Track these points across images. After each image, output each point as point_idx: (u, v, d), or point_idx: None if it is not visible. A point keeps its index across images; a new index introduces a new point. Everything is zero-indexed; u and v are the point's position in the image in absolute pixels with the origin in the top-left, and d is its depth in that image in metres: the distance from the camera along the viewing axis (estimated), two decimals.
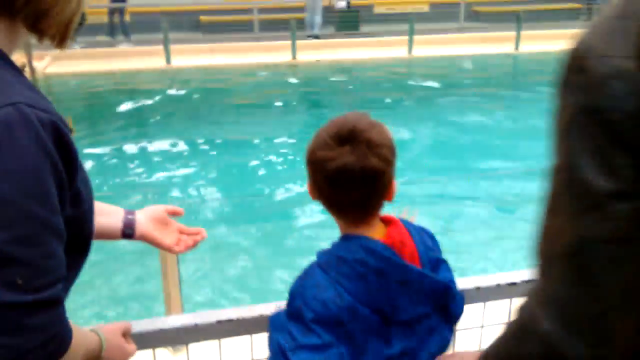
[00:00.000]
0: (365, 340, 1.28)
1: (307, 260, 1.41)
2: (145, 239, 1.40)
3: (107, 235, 1.38)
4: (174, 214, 1.47)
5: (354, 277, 1.28)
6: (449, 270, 1.43)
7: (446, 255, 1.48)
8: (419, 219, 1.60)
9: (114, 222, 1.38)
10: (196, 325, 1.55)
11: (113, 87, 11.08)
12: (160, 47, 12.06)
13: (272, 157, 7.43)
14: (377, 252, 1.29)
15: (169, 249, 1.42)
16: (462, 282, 1.76)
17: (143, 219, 1.41)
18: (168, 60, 12.01)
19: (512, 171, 6.50)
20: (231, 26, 14.57)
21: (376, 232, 1.35)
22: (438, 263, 1.40)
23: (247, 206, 6.04)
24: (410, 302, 1.31)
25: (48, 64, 11.83)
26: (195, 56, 12.70)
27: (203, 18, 15.48)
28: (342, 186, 1.29)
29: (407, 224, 1.42)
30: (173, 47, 12.22)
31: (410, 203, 5.38)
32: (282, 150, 7.64)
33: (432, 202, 5.90)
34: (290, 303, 1.34)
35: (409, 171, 6.73)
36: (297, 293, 1.33)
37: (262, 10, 14.37)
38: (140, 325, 1.53)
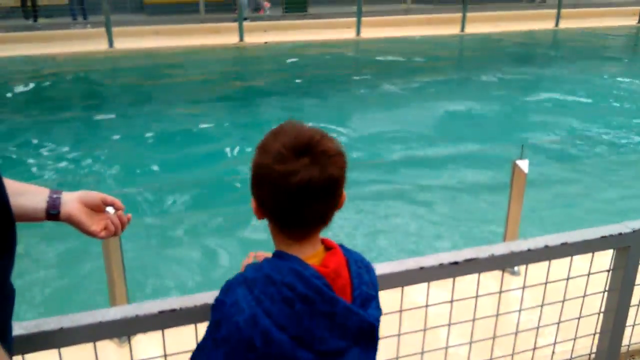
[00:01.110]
0: None
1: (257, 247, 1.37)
2: (70, 220, 1.32)
3: (31, 217, 1.29)
4: (111, 204, 1.39)
5: (278, 300, 1.23)
6: (378, 308, 1.38)
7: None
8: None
9: (37, 201, 1.29)
10: (137, 317, 1.51)
11: (55, 72, 10.68)
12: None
13: (221, 144, 7.29)
14: (308, 279, 1.24)
15: (93, 234, 1.34)
16: (406, 263, 1.79)
17: (70, 199, 1.33)
18: (111, 44, 11.64)
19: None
20: (176, 7, 14.26)
21: (314, 256, 1.31)
22: (369, 299, 1.34)
23: (197, 192, 5.93)
24: (332, 335, 1.26)
25: None
26: (139, 38, 12.36)
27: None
28: (305, 200, 1.23)
29: (348, 253, 1.37)
30: (116, 29, 11.85)
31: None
32: (230, 137, 7.50)
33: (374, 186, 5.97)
34: (212, 313, 1.29)
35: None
36: (218, 306, 1.28)
37: None
38: (80, 319, 1.49)
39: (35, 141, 7.31)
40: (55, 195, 1.31)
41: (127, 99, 9.23)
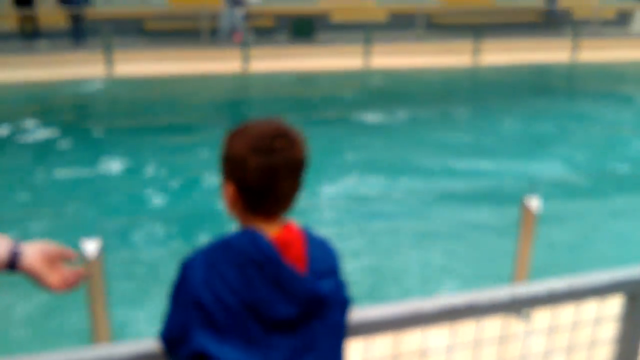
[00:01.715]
0: (228, 331, 1.31)
1: None
2: (30, 271, 1.33)
3: None
4: (68, 257, 1.40)
5: (233, 264, 1.33)
6: (336, 286, 1.46)
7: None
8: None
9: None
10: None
11: (54, 98, 10.64)
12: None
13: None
14: (259, 244, 1.34)
15: (51, 286, 1.35)
16: (401, 306, 1.68)
17: (32, 250, 1.34)
18: (111, 69, 11.62)
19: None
20: (178, 34, 14.26)
21: (272, 230, 1.41)
22: (323, 276, 1.42)
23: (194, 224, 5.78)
24: (279, 300, 1.34)
25: None
26: (138, 63, 12.30)
27: (149, 25, 15.12)
28: (280, 176, 1.38)
29: (308, 232, 1.48)
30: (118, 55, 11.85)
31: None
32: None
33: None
34: (176, 276, 1.38)
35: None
36: (181, 269, 1.38)
37: (212, 17, 14.11)
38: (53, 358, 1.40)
39: None
40: (16, 246, 1.33)
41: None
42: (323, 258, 1.46)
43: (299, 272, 1.37)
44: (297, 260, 1.40)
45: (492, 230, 5.45)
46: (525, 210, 3.17)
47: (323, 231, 1.64)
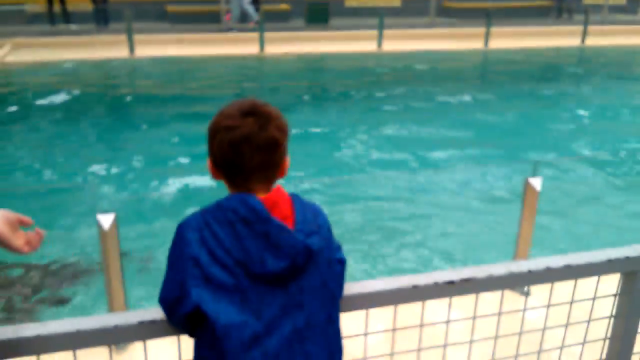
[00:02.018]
0: (222, 289, 1.37)
1: None
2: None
3: None
4: (27, 222, 1.48)
5: (224, 222, 1.41)
6: (324, 241, 1.51)
7: None
8: None
9: None
10: (116, 327, 1.48)
11: (75, 77, 10.80)
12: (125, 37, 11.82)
13: None
14: (247, 201, 1.42)
15: (18, 249, 1.43)
16: (399, 280, 1.73)
17: None
18: (132, 50, 11.76)
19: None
20: (199, 17, 14.38)
21: (259, 194, 1.48)
22: (311, 234, 1.48)
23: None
24: (269, 256, 1.40)
25: (7, 53, 11.50)
26: (160, 46, 12.48)
27: (170, 8, 15.24)
28: (244, 152, 1.44)
29: (295, 197, 1.55)
30: (138, 37, 11.98)
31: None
32: None
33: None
34: (174, 236, 1.45)
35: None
36: (177, 229, 1.45)
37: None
38: (58, 326, 1.46)
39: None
40: None
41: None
42: (310, 219, 1.51)
43: (287, 227, 1.44)
44: (284, 219, 1.46)
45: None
46: (529, 189, 3.20)
47: None
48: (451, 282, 1.73)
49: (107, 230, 2.79)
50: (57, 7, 13.90)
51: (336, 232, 1.60)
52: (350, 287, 1.68)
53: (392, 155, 7.11)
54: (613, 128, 8.17)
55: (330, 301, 1.51)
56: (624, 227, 5.16)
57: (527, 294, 3.35)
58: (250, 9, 14.08)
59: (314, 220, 1.52)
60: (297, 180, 5.64)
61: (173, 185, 6.05)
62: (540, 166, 3.21)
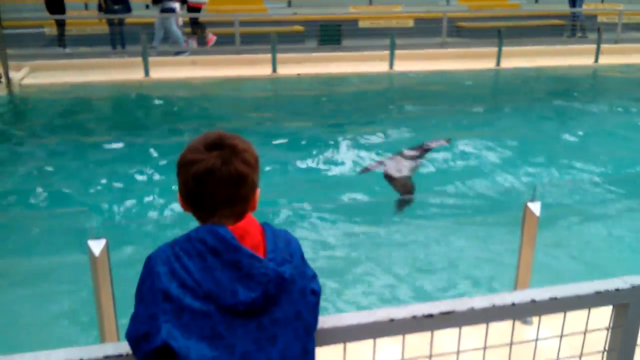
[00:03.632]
0: (193, 321, 1.34)
1: None
2: None
3: None
4: None
5: (194, 254, 1.38)
6: (296, 269, 1.47)
7: None
8: None
9: None
10: None
11: (90, 98, 10.94)
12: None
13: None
14: (216, 232, 1.40)
15: None
16: (375, 314, 1.68)
17: None
18: (147, 73, 11.89)
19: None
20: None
21: (229, 225, 1.46)
22: (284, 262, 1.45)
23: None
24: (240, 287, 1.37)
25: (25, 75, 11.69)
26: (173, 68, 12.60)
27: (186, 30, 15.41)
28: (208, 186, 1.42)
29: (266, 225, 1.52)
30: (152, 60, 12.13)
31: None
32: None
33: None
34: (142, 269, 1.44)
35: None
36: (146, 262, 1.44)
37: (243, 23, 14.29)
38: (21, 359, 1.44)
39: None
40: None
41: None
42: (282, 247, 1.49)
43: (258, 256, 1.42)
44: (255, 248, 1.44)
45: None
46: (528, 214, 3.14)
47: None
48: (430, 316, 1.68)
49: (98, 256, 2.78)
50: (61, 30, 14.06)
51: None
52: (326, 321, 1.64)
53: None
54: (623, 149, 8.03)
55: (305, 332, 1.48)
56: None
57: (529, 323, 3.26)
58: (177, 32, 13.93)
59: (285, 248, 1.50)
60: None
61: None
62: (539, 189, 3.14)
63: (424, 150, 7.62)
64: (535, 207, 3.13)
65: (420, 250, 5.14)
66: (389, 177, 6.81)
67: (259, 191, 1.52)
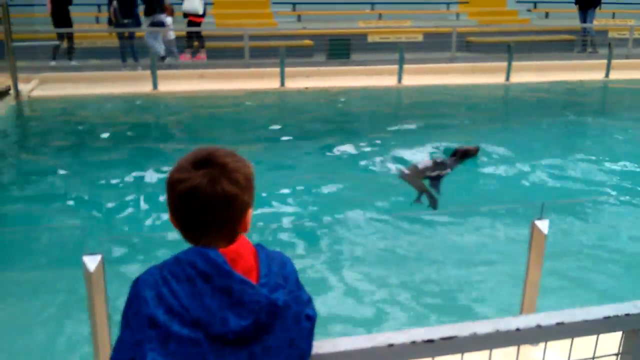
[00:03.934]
0: (180, 349, 1.27)
1: None
2: None
3: None
4: None
5: (183, 278, 1.31)
6: (290, 295, 1.40)
7: None
8: None
9: None
10: None
11: (97, 112, 10.97)
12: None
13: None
14: (207, 255, 1.32)
15: None
16: (374, 339, 1.61)
17: None
18: (155, 86, 11.92)
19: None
20: (223, 52, 14.57)
21: (220, 246, 1.39)
22: (277, 287, 1.38)
23: None
24: (231, 315, 1.30)
25: (34, 87, 11.76)
26: (182, 81, 12.63)
27: (196, 44, 15.48)
28: (193, 207, 1.34)
29: (260, 247, 1.45)
30: (161, 73, 12.16)
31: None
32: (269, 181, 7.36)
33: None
34: (129, 291, 1.38)
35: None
36: (133, 284, 1.37)
37: (252, 37, 14.33)
38: None
39: None
40: None
41: None
42: (276, 270, 1.42)
43: (250, 282, 1.35)
44: (248, 273, 1.37)
45: None
46: (535, 232, 3.06)
47: None
48: (430, 341, 1.61)
49: (93, 272, 2.73)
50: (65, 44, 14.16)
51: None
52: (322, 346, 1.57)
53: None
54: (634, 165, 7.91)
55: None
56: None
57: (535, 344, 3.16)
58: (155, 44, 13.85)
59: (280, 272, 1.43)
60: None
61: None
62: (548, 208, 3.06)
63: (456, 157, 7.48)
64: (543, 225, 3.05)
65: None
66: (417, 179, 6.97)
67: (251, 212, 1.44)
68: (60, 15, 13.75)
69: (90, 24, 16.72)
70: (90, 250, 2.80)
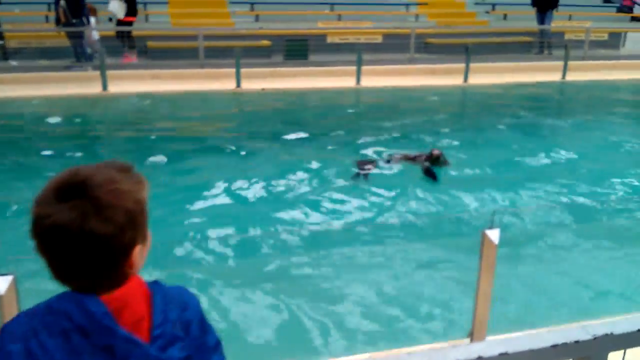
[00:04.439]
0: None
1: None
2: None
3: None
4: None
5: (56, 332, 1.08)
6: (192, 346, 1.18)
7: None
8: None
9: None
10: None
11: (46, 112, 10.51)
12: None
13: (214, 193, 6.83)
14: (85, 305, 1.09)
15: None
16: None
17: None
18: (105, 87, 11.51)
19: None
20: (177, 52, 14.21)
21: (102, 291, 1.14)
22: (173, 340, 1.16)
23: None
24: None
25: None
26: (133, 82, 12.25)
27: (150, 44, 15.08)
28: (57, 249, 1.09)
29: (157, 287, 1.20)
30: (112, 73, 11.76)
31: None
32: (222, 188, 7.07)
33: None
34: None
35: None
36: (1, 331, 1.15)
37: (207, 37, 14.00)
38: None
39: None
40: None
41: None
42: (174, 317, 1.19)
43: (138, 338, 1.12)
44: (137, 324, 1.14)
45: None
46: (486, 242, 2.90)
47: None
48: None
49: (4, 294, 2.48)
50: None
51: None
52: None
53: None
54: (590, 168, 7.87)
55: None
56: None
57: None
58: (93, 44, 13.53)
59: (179, 319, 1.20)
60: None
61: None
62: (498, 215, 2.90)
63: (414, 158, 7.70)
64: (494, 235, 2.89)
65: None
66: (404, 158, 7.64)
67: (139, 248, 1.17)
68: None
69: (41, 23, 16.11)
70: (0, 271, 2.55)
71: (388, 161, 7.75)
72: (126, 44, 14.42)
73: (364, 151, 8.37)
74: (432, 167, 7.29)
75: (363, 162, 7.68)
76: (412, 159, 7.62)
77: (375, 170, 7.42)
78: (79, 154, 8.15)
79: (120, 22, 14.40)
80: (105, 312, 1.10)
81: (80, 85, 11.85)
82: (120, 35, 14.43)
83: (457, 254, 5.02)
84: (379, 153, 8.18)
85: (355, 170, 7.33)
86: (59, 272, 1.14)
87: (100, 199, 1.08)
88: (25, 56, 13.76)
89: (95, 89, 11.51)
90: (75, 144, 8.88)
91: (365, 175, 7.20)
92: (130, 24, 14.61)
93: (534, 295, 4.48)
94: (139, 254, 1.17)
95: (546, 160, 8.06)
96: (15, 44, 14.13)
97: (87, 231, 1.07)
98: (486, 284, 3.05)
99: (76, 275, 1.13)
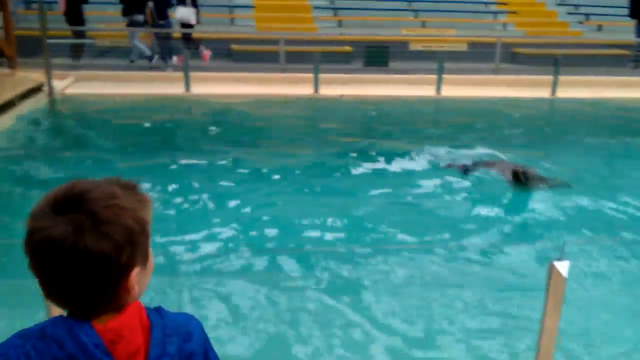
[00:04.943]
0: None
1: None
2: None
3: None
4: None
5: (48, 358, 1.03)
6: None
7: None
8: None
9: None
10: None
11: (129, 111, 10.91)
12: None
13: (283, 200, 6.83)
14: (77, 335, 1.03)
15: None
16: None
17: None
18: (188, 88, 11.81)
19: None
20: (259, 55, 14.42)
21: (102, 318, 1.07)
22: None
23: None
24: None
25: (68, 85, 11.79)
26: (215, 84, 12.49)
27: (234, 47, 15.39)
28: (50, 265, 1.01)
29: (157, 317, 1.11)
30: (194, 75, 12.05)
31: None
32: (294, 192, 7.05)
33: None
34: None
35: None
36: None
37: (289, 42, 14.12)
38: None
39: None
40: None
41: None
42: (174, 351, 1.10)
43: None
44: (132, 357, 1.07)
45: None
46: (554, 275, 2.65)
47: None
48: None
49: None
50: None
51: None
52: None
53: None
54: None
55: None
56: None
57: None
58: (140, 45, 13.68)
59: (179, 352, 1.11)
60: None
61: None
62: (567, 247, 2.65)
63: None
64: (563, 267, 2.64)
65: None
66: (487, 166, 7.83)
67: (138, 271, 1.08)
68: (74, 15, 13.71)
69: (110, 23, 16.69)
70: None
71: (470, 169, 7.82)
72: (193, 46, 14.73)
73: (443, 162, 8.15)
74: (517, 184, 6.95)
75: (459, 165, 7.92)
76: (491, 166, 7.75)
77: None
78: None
79: (184, 25, 14.62)
80: (97, 343, 1.03)
81: (164, 85, 12.23)
82: (188, 38, 14.71)
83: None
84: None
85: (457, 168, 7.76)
86: (50, 291, 1.07)
87: (97, 214, 1.01)
88: (114, 55, 14.34)
89: (178, 89, 11.84)
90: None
91: (467, 171, 7.58)
92: (191, 26, 14.85)
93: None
94: (138, 277, 1.08)
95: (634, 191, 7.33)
96: (107, 42, 14.79)
97: (82, 247, 1.00)
98: (552, 323, 2.80)
99: (68, 297, 1.06)
